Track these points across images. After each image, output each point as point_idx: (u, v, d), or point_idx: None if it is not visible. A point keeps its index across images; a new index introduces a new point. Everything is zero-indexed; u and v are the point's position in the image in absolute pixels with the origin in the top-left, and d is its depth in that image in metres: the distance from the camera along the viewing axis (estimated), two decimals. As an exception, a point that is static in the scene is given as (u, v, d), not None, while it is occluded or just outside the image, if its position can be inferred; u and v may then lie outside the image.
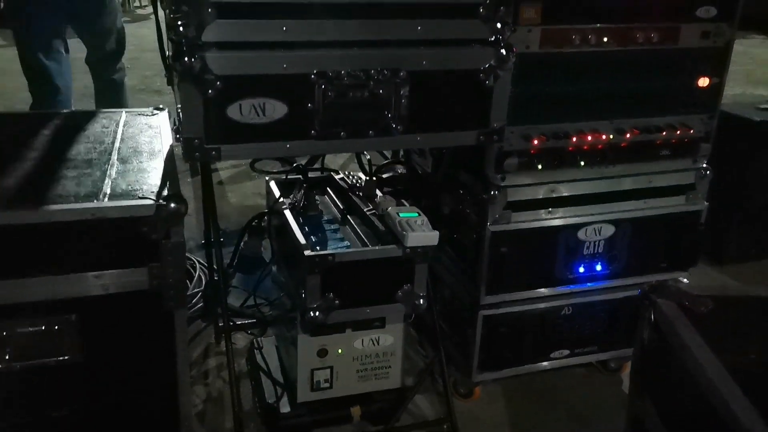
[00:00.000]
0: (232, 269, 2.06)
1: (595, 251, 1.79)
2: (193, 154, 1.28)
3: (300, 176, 1.88)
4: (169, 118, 1.86)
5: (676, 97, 1.72)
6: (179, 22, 1.19)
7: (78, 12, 2.86)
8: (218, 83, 1.24)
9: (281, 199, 1.80)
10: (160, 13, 1.51)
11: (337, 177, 1.99)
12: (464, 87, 1.43)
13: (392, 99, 1.38)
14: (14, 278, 1.23)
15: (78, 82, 3.21)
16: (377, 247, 1.57)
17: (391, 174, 2.05)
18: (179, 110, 1.41)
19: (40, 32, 2.81)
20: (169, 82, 1.52)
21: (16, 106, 4.37)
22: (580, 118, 1.67)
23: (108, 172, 1.43)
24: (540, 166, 1.67)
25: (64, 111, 2.51)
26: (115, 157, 1.53)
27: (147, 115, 1.87)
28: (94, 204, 1.26)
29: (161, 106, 1.91)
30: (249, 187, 3.42)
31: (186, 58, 1.20)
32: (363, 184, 1.87)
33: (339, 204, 1.85)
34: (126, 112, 1.89)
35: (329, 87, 1.32)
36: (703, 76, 1.71)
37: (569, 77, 1.63)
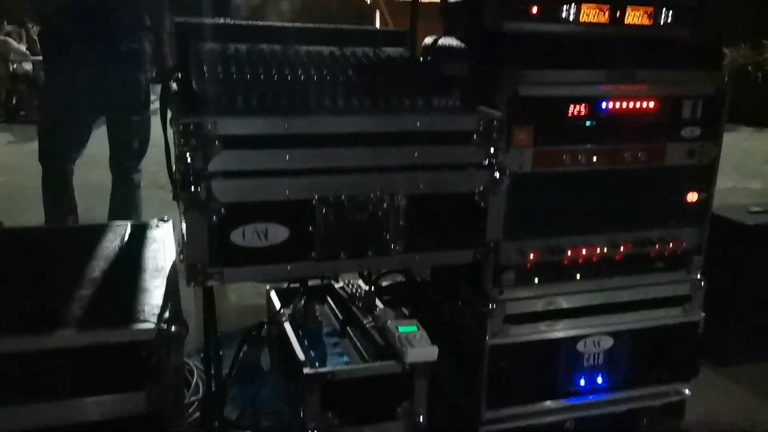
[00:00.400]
0: (230, 379, 2.04)
1: (595, 363, 1.79)
2: (196, 278, 1.31)
3: (300, 285, 1.90)
4: (174, 229, 1.90)
5: (667, 212, 1.77)
6: (188, 154, 1.25)
7: (115, 107, 2.79)
8: (222, 210, 1.29)
9: (281, 311, 1.82)
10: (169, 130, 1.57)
11: (336, 286, 2.01)
12: (460, 208, 1.48)
13: (390, 221, 1.42)
14: (11, 405, 1.23)
15: (87, 179, 3.26)
16: (377, 363, 1.57)
17: (390, 282, 2.07)
18: (183, 232, 1.45)
19: (70, 135, 2.78)
20: (175, 197, 1.57)
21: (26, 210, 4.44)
22: (574, 232, 1.71)
23: (110, 293, 1.45)
24: (537, 280, 1.69)
25: (70, 225, 2.55)
26: (118, 277, 1.55)
27: (150, 227, 1.91)
28: (94, 331, 1.27)
29: (165, 218, 1.96)
30: (249, 286, 3.43)
31: (192, 188, 1.25)
32: (362, 294, 1.89)
33: (339, 314, 1.86)
34: (131, 224, 1.93)
35: (330, 211, 1.37)
36: (692, 191, 1.77)
37: (562, 194, 1.68)
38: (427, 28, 1.96)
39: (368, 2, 15.12)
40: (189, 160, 1.26)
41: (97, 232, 1.87)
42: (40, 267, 1.60)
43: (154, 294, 1.45)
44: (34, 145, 2.91)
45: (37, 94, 2.84)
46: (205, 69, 1.43)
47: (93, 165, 3.22)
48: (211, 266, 1.31)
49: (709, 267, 1.87)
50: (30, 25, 10.39)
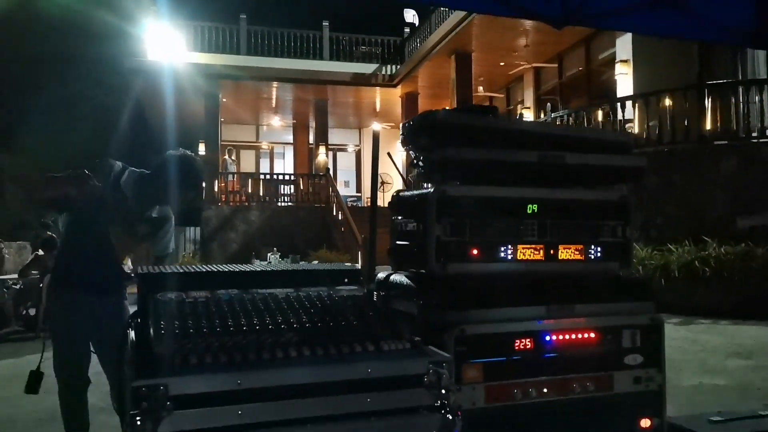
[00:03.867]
0: None
1: None
2: None
3: None
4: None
5: (621, 441, 1.78)
6: (137, 418, 1.26)
7: (103, 338, 2.99)
8: (171, 473, 1.26)
9: None
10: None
11: None
12: (415, 454, 1.47)
13: (345, 473, 1.40)
14: None
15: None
16: None
17: None
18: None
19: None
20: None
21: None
22: (533, 467, 1.70)
23: None
24: None
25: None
26: None
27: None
28: None
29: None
30: None
31: (140, 454, 1.24)
32: None
33: None
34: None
35: (282, 467, 1.35)
36: (644, 418, 1.80)
37: (518, 428, 1.70)
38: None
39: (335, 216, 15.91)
40: (138, 424, 1.26)
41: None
42: None
43: None
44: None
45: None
46: (161, 324, 1.49)
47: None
48: None
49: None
50: (2, 245, 10.68)
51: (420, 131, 1.84)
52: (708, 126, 9.83)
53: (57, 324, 3.18)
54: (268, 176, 19.22)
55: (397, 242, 1.94)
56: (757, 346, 6.58)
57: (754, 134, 9.51)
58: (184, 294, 1.73)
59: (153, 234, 3.09)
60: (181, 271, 1.86)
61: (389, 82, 18.82)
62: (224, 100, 18.53)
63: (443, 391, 1.52)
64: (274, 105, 20.35)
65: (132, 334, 1.66)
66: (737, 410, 2.76)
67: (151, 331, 1.49)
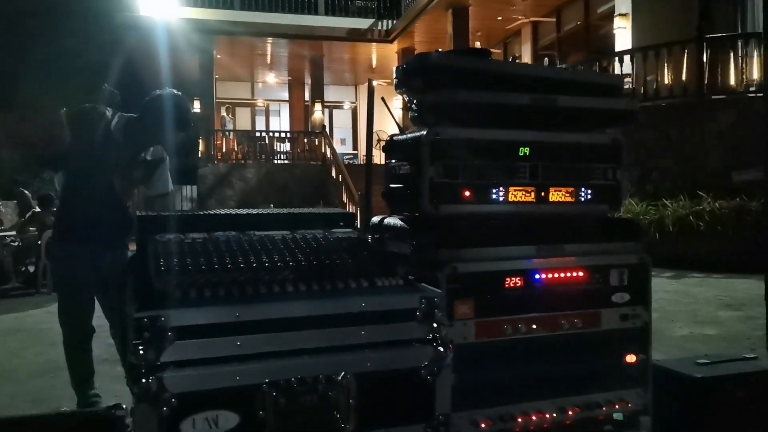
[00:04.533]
0: None
1: None
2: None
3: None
4: (128, 416, 1.89)
5: (610, 375, 1.85)
6: (140, 347, 1.30)
7: (107, 286, 3.05)
8: (173, 401, 1.31)
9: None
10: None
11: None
12: (407, 384, 1.53)
13: (340, 401, 1.46)
14: None
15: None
16: None
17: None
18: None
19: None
20: (128, 382, 1.58)
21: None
22: (523, 399, 1.77)
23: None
24: (491, 450, 1.72)
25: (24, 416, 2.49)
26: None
27: (105, 415, 1.89)
28: None
29: (120, 404, 1.95)
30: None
31: (144, 380, 1.29)
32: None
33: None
34: (86, 412, 1.91)
35: (280, 395, 1.41)
36: (630, 354, 1.86)
37: (507, 362, 1.76)
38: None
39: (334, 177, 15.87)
40: (142, 352, 1.30)
41: (51, 422, 1.85)
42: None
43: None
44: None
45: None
46: (161, 262, 1.53)
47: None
48: (162, 462, 1.31)
49: (661, 422, 1.91)
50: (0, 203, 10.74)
51: (414, 74, 1.85)
52: (706, 80, 9.77)
53: (61, 275, 3.23)
54: (264, 134, 19.12)
55: (391, 185, 1.97)
56: (748, 298, 6.68)
57: (752, 88, 9.46)
58: (183, 235, 1.77)
59: (149, 176, 3.12)
60: (179, 214, 1.89)
61: (385, 37, 18.56)
62: (219, 56, 18.30)
63: (435, 325, 1.57)
64: (269, 61, 20.11)
65: (132, 273, 1.70)
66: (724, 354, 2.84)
67: (152, 268, 1.53)
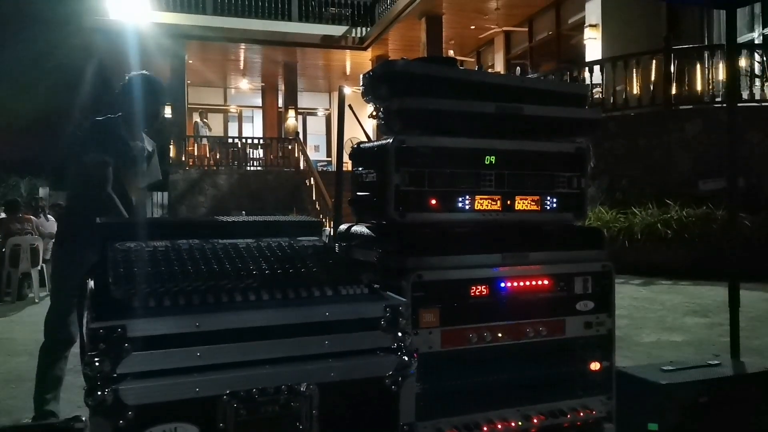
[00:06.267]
0: None
1: None
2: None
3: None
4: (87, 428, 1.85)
5: (574, 382, 1.86)
6: (95, 358, 1.27)
7: None
8: (130, 413, 1.28)
9: None
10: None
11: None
12: (372, 393, 1.52)
13: (303, 411, 1.44)
14: None
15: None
16: None
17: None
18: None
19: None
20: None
21: None
22: (488, 407, 1.77)
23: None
24: (455, 459, 1.71)
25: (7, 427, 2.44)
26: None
27: (65, 427, 1.85)
28: None
29: (79, 416, 1.90)
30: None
31: (99, 392, 1.26)
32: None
33: None
34: (45, 425, 1.87)
35: (241, 406, 1.39)
36: (594, 361, 1.87)
37: (473, 371, 1.76)
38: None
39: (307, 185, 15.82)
40: (97, 364, 1.27)
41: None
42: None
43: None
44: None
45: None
46: (120, 270, 1.50)
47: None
48: (118, 474, 1.28)
49: (625, 429, 1.93)
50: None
51: (380, 81, 1.85)
52: (674, 90, 9.96)
53: (62, 279, 3.18)
54: (237, 140, 18.98)
55: (358, 193, 1.96)
56: (714, 305, 6.80)
57: (718, 99, 9.66)
58: (144, 243, 1.74)
59: (148, 166, 3.20)
60: (141, 221, 1.86)
61: (359, 44, 18.60)
62: (190, 61, 18.14)
63: (399, 334, 1.56)
64: (242, 67, 19.99)
65: (91, 282, 1.67)
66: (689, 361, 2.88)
67: (110, 276, 1.49)
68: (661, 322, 6.32)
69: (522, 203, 1.89)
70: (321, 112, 23.53)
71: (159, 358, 1.33)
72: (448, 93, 1.82)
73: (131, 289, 1.42)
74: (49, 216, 9.99)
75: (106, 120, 3.12)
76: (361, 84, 1.95)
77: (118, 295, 1.39)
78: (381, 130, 1.93)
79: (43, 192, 17.39)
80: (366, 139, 2.06)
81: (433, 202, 1.80)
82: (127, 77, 3.16)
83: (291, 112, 19.15)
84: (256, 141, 18.92)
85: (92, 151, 3.03)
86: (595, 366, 1.87)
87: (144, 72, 3.18)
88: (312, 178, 15.95)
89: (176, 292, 1.44)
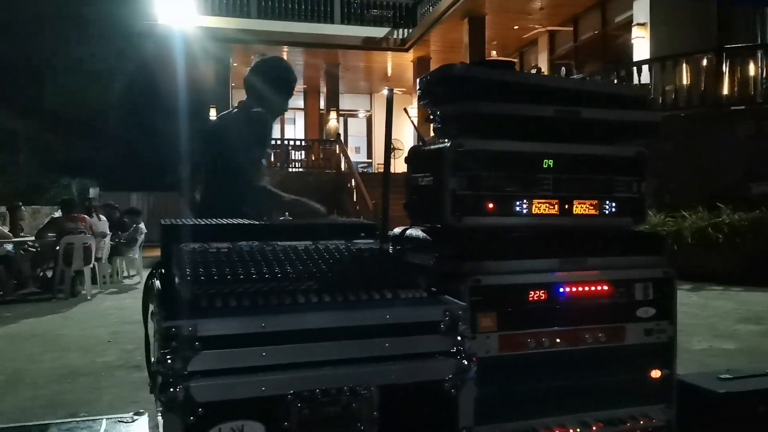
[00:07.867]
0: None
1: None
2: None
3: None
4: (149, 423, 1.90)
5: (633, 390, 1.83)
6: (168, 356, 1.31)
7: None
8: (200, 410, 1.32)
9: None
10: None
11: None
12: (431, 397, 1.52)
13: (363, 413, 1.46)
14: None
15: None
16: None
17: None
18: (160, 429, 1.46)
19: None
20: (152, 390, 1.59)
21: None
22: (545, 413, 1.75)
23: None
24: (513, 465, 1.70)
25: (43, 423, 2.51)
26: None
27: (126, 421, 1.91)
28: None
29: (141, 411, 1.96)
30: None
31: (171, 389, 1.30)
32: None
33: None
34: (106, 419, 1.93)
35: (304, 406, 1.41)
36: (654, 369, 1.84)
37: (530, 376, 1.75)
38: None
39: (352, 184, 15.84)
40: (169, 361, 1.31)
41: (73, 429, 1.86)
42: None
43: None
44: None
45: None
46: (187, 271, 1.54)
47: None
48: (186, 469, 1.32)
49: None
50: (23, 208, 10.79)
51: (437, 85, 1.86)
52: (725, 91, 9.70)
53: None
54: (279, 141, 19.21)
55: (413, 197, 1.97)
56: (767, 311, 6.60)
57: (772, 99, 9.38)
58: (206, 245, 1.78)
59: None
60: (203, 223, 1.91)
61: (401, 46, 18.62)
62: (235, 64, 18.44)
63: (458, 338, 1.57)
64: (285, 69, 20.19)
65: (157, 282, 1.72)
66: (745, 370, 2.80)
67: (178, 277, 1.53)
68: (713, 329, 6.17)
69: (580, 207, 1.87)
70: (362, 114, 23.63)
71: (227, 357, 1.37)
72: (505, 97, 1.82)
73: (200, 289, 1.45)
74: (101, 216, 10.28)
75: (264, 113, 3.11)
76: (417, 88, 1.96)
77: (187, 295, 1.43)
78: (437, 134, 1.93)
79: (93, 192, 17.91)
80: (419, 141, 2.07)
81: (490, 206, 1.79)
82: (258, 63, 3.22)
83: (332, 114, 19.30)
84: (298, 143, 19.12)
85: (254, 144, 3.02)
86: (655, 374, 1.84)
87: (277, 56, 3.23)
88: (353, 180, 16.03)
89: (241, 293, 1.47)
